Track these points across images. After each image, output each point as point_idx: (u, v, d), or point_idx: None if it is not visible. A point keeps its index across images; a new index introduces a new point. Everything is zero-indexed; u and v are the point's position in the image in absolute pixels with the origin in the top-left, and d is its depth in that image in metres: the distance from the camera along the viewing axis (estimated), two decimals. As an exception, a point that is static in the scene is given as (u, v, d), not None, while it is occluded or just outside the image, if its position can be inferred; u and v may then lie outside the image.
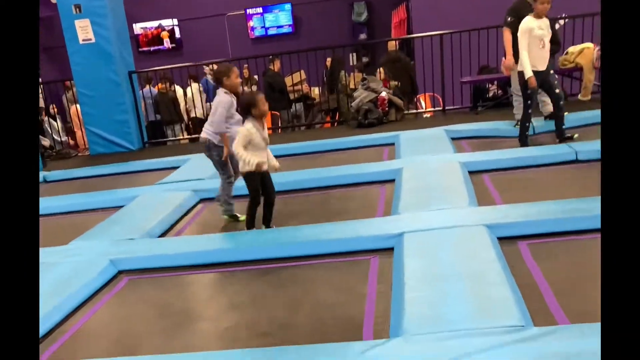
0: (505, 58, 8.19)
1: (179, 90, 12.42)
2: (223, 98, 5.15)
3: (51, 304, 3.85)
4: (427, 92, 10.53)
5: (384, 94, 9.20)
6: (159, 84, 11.72)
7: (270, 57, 11.14)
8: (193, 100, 12.25)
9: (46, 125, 11.28)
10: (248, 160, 4.72)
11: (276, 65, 11.18)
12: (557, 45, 7.34)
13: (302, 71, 11.34)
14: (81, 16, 9.20)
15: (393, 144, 7.50)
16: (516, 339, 2.77)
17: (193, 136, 11.65)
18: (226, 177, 5.37)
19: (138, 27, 18.07)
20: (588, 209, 4.27)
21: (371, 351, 2.85)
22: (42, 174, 8.42)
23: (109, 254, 4.69)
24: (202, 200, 6.28)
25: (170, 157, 8.48)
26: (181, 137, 11.51)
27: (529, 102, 6.49)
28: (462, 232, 4.17)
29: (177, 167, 7.70)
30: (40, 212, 5.62)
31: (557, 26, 7.43)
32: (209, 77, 12.65)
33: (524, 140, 6.64)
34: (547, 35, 6.39)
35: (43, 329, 3.64)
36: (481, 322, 2.95)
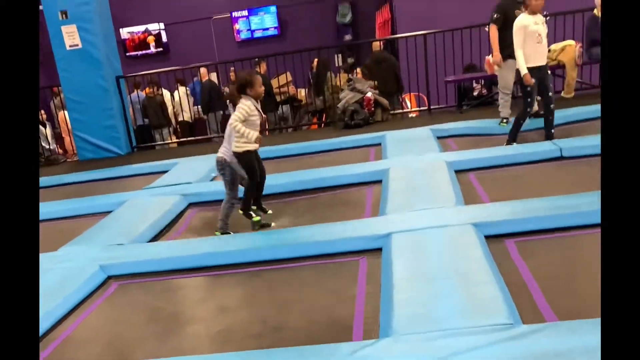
0: (489, 56, 8.26)
1: (166, 94, 12.40)
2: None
3: (41, 310, 3.83)
4: (412, 92, 10.58)
5: (369, 94, 9.23)
6: (147, 89, 11.70)
7: (257, 59, 11.14)
8: (181, 104, 12.24)
9: (34, 131, 11.22)
10: (248, 133, 4.84)
11: (262, 68, 11.18)
12: None
13: (288, 73, 11.35)
14: (68, 22, 9.17)
15: (379, 145, 7.52)
16: (505, 337, 2.79)
17: (181, 140, 11.65)
18: (231, 197, 5.32)
19: (125, 32, 18.02)
20: (574, 206, 4.32)
21: (361, 351, 2.87)
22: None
23: (98, 260, 4.69)
24: (190, 205, 6.28)
25: (159, 161, 8.47)
26: (169, 141, 11.49)
27: (529, 99, 6.46)
28: (449, 231, 4.20)
29: (166, 172, 7.69)
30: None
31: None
32: (199, 79, 12.65)
33: (514, 136, 6.65)
34: (544, 30, 6.41)
35: (34, 336, 3.64)
36: (470, 321, 2.97)
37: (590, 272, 3.57)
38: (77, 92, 9.42)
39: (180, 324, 3.77)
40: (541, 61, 6.40)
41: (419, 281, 3.51)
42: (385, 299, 3.47)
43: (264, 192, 5.40)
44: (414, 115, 10.23)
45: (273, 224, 5.24)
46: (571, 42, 8.44)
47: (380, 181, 5.87)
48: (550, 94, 6.49)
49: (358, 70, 10.52)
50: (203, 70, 12.32)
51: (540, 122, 6.81)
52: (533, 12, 6.35)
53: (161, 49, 18.23)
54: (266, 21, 17.83)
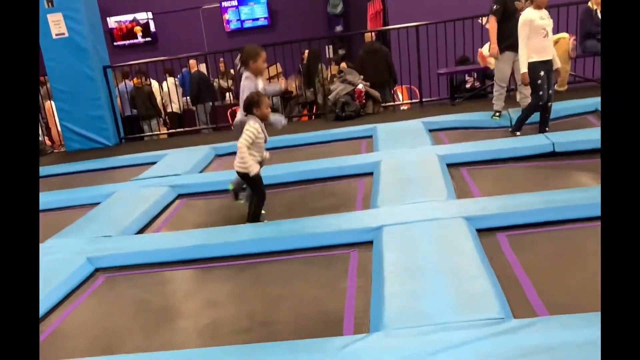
0: (482, 48, 8.24)
1: (154, 84, 12.32)
2: (247, 83, 5.07)
3: (27, 303, 3.79)
4: (404, 84, 10.54)
5: (360, 86, 9.19)
6: (135, 79, 11.61)
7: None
8: (169, 95, 12.16)
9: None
10: (249, 165, 4.74)
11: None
12: None
13: (279, 64, 11.29)
14: (53, 10, 9.05)
15: (371, 137, 7.49)
16: (496, 331, 2.77)
17: (171, 131, 11.57)
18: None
19: (112, 21, 17.91)
20: (566, 200, 4.31)
21: (351, 346, 2.84)
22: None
23: (85, 252, 4.63)
24: (179, 196, 6.23)
25: (147, 152, 8.40)
26: (158, 132, 11.41)
27: (540, 92, 6.38)
28: (441, 224, 4.17)
29: (154, 163, 7.63)
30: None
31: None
32: (188, 70, 12.59)
33: (519, 126, 6.61)
34: (550, 24, 6.37)
35: (19, 329, 3.58)
36: (461, 315, 2.95)
37: (581, 266, 3.56)
38: (63, 81, 9.30)
39: (168, 318, 3.73)
40: (547, 56, 6.36)
41: (410, 275, 3.48)
42: (376, 292, 3.44)
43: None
44: (405, 107, 10.20)
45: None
46: (565, 35, 8.42)
47: (371, 174, 5.84)
48: (550, 91, 6.45)
49: (343, 64, 10.47)
50: (192, 61, 12.26)
51: (535, 117, 6.80)
52: (538, 7, 6.31)
53: (149, 38, 18.12)
54: (256, 11, 17.76)
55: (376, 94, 9.37)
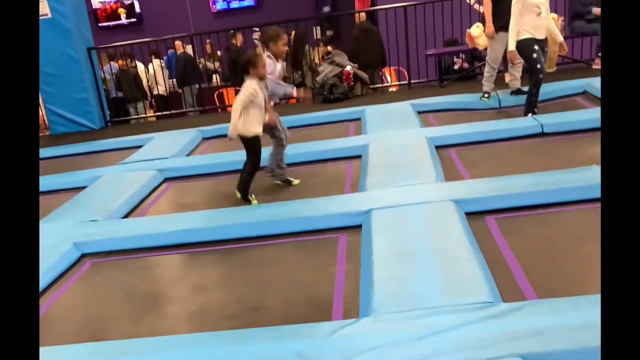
0: (470, 29, 8.20)
1: (140, 66, 12.21)
2: (268, 62, 5.05)
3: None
4: (392, 65, 10.49)
5: (348, 68, 9.14)
6: (120, 61, 11.50)
7: (232, 31, 10.98)
8: (155, 77, 12.05)
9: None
10: (234, 124, 4.77)
11: (239, 40, 11.03)
12: None
13: (266, 46, 11.19)
14: (36, -10, 8.94)
15: (359, 119, 7.46)
16: (485, 315, 2.77)
17: (157, 114, 11.49)
18: (277, 140, 5.26)
19: (96, 1, 17.70)
20: (555, 182, 4.30)
21: (341, 331, 2.83)
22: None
23: (72, 237, 4.59)
24: (166, 180, 6.18)
25: (134, 135, 8.33)
26: (145, 115, 11.33)
27: (538, 66, 6.32)
28: (429, 208, 4.15)
29: (141, 146, 7.57)
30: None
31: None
32: (174, 52, 12.48)
33: (532, 107, 6.48)
34: (545, 2, 6.31)
35: (5, 316, 3.55)
36: (450, 300, 2.94)
37: (570, 250, 3.56)
38: (47, 63, 9.12)
39: (156, 303, 3.70)
40: (540, 35, 6.32)
41: (399, 259, 3.47)
42: (365, 277, 3.43)
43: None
44: (394, 89, 10.16)
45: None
46: (553, 15, 8.38)
47: (359, 156, 5.82)
48: (541, 75, 6.39)
49: (328, 47, 10.40)
50: (178, 42, 12.15)
51: (523, 99, 6.79)
52: None
53: (134, 19, 17.92)
54: (243, -8, 17.62)
55: (364, 75, 9.33)
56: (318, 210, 4.47)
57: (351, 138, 6.64)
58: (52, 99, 9.43)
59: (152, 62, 12.10)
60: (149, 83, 12.33)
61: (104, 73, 11.03)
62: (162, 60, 12.66)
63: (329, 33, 14.71)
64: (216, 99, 11.51)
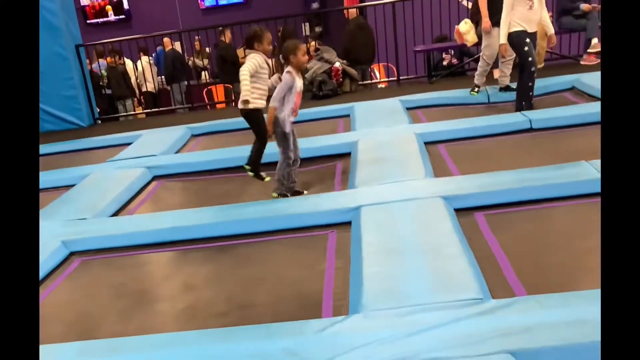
0: (459, 25, 8.21)
1: (129, 63, 12.16)
2: (286, 77, 4.88)
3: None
4: (381, 62, 10.50)
5: (337, 64, 9.13)
6: (108, 58, 11.45)
7: (221, 28, 10.95)
8: (144, 74, 12.01)
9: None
10: (245, 95, 4.73)
11: (227, 37, 11.00)
12: None
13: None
14: (23, -13, 8.86)
15: (348, 116, 7.45)
16: (475, 312, 2.76)
17: (146, 111, 11.45)
18: (285, 157, 4.97)
19: (85, -2, 17.61)
20: (543, 178, 4.31)
21: (330, 328, 2.82)
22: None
23: (60, 235, 4.56)
24: (155, 177, 6.16)
25: (122, 133, 8.31)
26: (133, 112, 11.29)
27: (529, 59, 6.31)
28: (419, 204, 4.15)
29: (130, 144, 7.54)
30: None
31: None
32: (163, 48, 12.43)
33: (529, 103, 6.47)
34: None
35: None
36: (440, 296, 2.94)
37: (559, 246, 3.57)
38: (35, 61, 9.10)
39: (145, 301, 3.68)
40: (531, 28, 6.30)
41: (389, 255, 3.47)
42: (354, 274, 3.42)
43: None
44: (383, 85, 10.16)
45: (305, 192, 5.10)
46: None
47: (349, 153, 5.81)
48: (533, 68, 6.38)
49: (312, 43, 10.38)
50: (166, 39, 12.10)
51: (511, 95, 6.80)
52: None
53: (123, 16, 17.82)
54: (231, -12, 17.56)
55: (353, 72, 9.32)
56: (307, 207, 4.47)
57: (340, 135, 6.64)
58: (41, 96, 9.35)
59: (140, 59, 12.05)
60: (138, 80, 12.28)
61: (100, 69, 10.98)
62: (150, 58, 12.61)
63: (317, 29, 14.71)
64: (205, 96, 11.48)
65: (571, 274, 3.23)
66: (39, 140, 5.63)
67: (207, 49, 13.25)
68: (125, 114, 11.02)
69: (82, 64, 9.58)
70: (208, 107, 11.04)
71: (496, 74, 7.71)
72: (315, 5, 16.89)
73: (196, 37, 12.89)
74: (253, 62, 4.76)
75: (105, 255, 4.41)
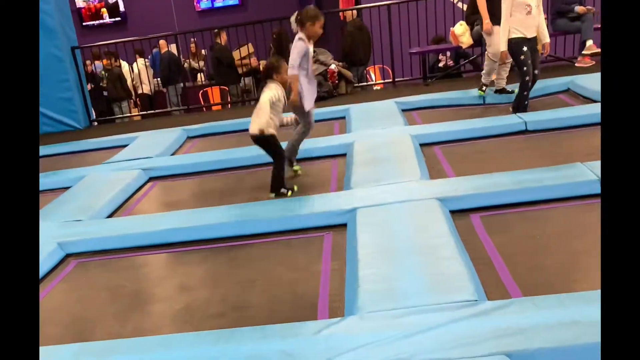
0: (454, 27, 8.22)
1: (125, 65, 12.15)
2: (299, 44, 5.05)
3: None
4: (377, 64, 10.51)
5: (333, 66, 9.14)
6: (104, 60, 11.44)
7: (217, 30, 10.94)
8: (140, 76, 12.01)
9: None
10: (265, 122, 4.80)
11: (223, 39, 11.00)
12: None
13: (250, 44, 11.19)
14: (19, -11, 8.84)
15: (344, 118, 7.46)
16: (470, 313, 2.77)
17: (142, 113, 11.44)
18: (306, 125, 5.32)
19: (80, 0, 17.58)
20: (539, 180, 4.32)
21: (326, 330, 2.82)
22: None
23: (56, 237, 4.56)
24: (151, 179, 6.16)
25: (118, 135, 8.30)
26: (129, 114, 11.28)
27: (524, 68, 6.34)
28: (414, 206, 4.16)
29: (126, 146, 7.54)
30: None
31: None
32: (159, 51, 12.42)
33: (524, 108, 6.49)
34: (535, 1, 6.26)
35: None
36: (435, 298, 2.94)
37: (554, 247, 3.58)
38: (31, 63, 9.09)
39: (141, 303, 3.68)
40: (530, 33, 6.29)
41: (384, 257, 3.47)
42: (350, 275, 3.43)
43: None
44: (378, 87, 10.17)
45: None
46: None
47: (344, 155, 5.82)
48: (536, 71, 6.38)
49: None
50: (162, 41, 12.10)
51: (507, 98, 6.81)
52: None
53: (119, 18, 17.82)
54: (227, -10, 17.57)
55: (349, 74, 9.33)
56: (303, 209, 4.47)
57: (336, 136, 6.65)
58: (36, 98, 9.35)
59: (136, 61, 12.05)
60: (134, 82, 12.28)
61: (96, 70, 10.96)
62: (146, 60, 12.60)
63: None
64: (201, 98, 11.48)
65: (567, 275, 3.24)
66: (38, 143, 5.65)
67: (203, 51, 13.24)
68: (121, 116, 11.01)
69: (77, 66, 9.57)
70: (204, 109, 11.04)
71: (492, 76, 7.72)
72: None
73: (192, 39, 12.89)
74: (274, 93, 4.78)
75: (102, 257, 4.41)
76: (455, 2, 9.74)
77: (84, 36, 14.65)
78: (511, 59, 6.78)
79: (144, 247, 4.44)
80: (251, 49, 11.32)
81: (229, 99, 11.02)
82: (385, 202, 4.28)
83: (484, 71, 7.46)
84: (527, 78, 6.37)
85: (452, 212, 4.13)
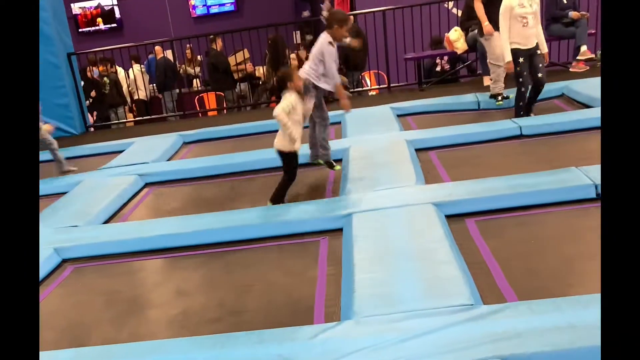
0: (449, 33, 8.25)
1: (120, 71, 12.16)
2: (329, 49, 5.03)
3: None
4: (372, 69, 10.53)
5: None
6: (100, 66, 11.44)
7: (212, 36, 10.96)
8: (135, 82, 12.01)
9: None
10: (294, 136, 4.70)
11: (218, 44, 11.01)
12: None
13: (246, 50, 11.21)
14: (15, -4, 8.84)
15: (339, 123, 7.46)
16: (466, 317, 2.78)
17: (137, 119, 11.44)
18: (322, 120, 5.32)
19: (76, 7, 17.59)
20: (534, 184, 4.33)
21: (322, 335, 2.83)
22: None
23: (52, 243, 4.57)
24: (147, 185, 6.16)
25: (114, 141, 8.31)
26: (125, 120, 11.28)
27: (520, 79, 6.35)
28: (410, 211, 4.17)
29: (122, 151, 7.54)
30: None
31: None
32: (154, 57, 12.43)
33: (520, 111, 6.50)
34: (531, 12, 6.25)
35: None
36: (431, 302, 2.95)
37: (550, 252, 3.60)
38: (27, 69, 9.08)
39: (137, 308, 3.69)
40: (527, 44, 6.28)
41: (380, 262, 3.48)
42: (346, 280, 3.44)
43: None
44: (373, 93, 10.19)
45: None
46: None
47: (340, 160, 5.82)
48: (540, 74, 6.35)
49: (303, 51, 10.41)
50: (158, 47, 12.11)
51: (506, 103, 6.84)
52: None
53: (114, 24, 17.83)
54: (222, -4, 17.59)
55: (344, 79, 9.34)
56: (299, 214, 4.48)
57: (331, 142, 6.63)
58: (32, 104, 9.34)
59: (132, 67, 12.05)
60: (130, 88, 12.28)
61: (95, 76, 10.95)
62: (142, 66, 12.61)
63: (308, 38, 14.73)
64: (196, 104, 11.48)
65: (562, 280, 3.25)
66: (38, 147, 5.67)
67: (199, 57, 13.25)
68: (117, 121, 11.01)
69: (74, 73, 9.56)
70: (200, 114, 11.04)
71: (486, 81, 7.74)
72: (306, 14, 16.93)
73: (187, 45, 12.89)
74: (286, 103, 4.72)
75: (98, 263, 4.41)
76: (449, 8, 9.77)
77: (80, 42, 14.65)
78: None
79: (140, 253, 4.45)
80: (247, 55, 11.34)
81: (224, 105, 11.02)
82: (381, 207, 4.29)
83: (492, 82, 7.39)
84: (523, 89, 6.40)
85: (448, 216, 4.14)
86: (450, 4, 9.73)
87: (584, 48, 8.13)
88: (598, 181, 4.15)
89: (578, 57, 8.22)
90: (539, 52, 6.38)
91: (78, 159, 7.85)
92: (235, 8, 17.59)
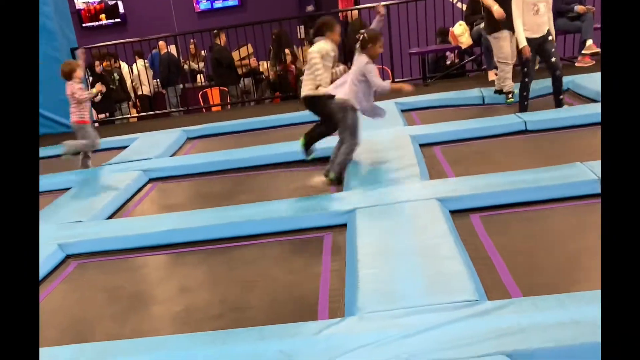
0: (453, 28, 8.22)
1: (124, 67, 12.14)
2: (369, 67, 5.02)
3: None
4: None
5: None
6: (104, 62, 11.42)
7: (216, 31, 10.94)
8: (139, 78, 12.00)
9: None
10: (322, 79, 4.78)
11: (222, 40, 10.99)
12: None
13: (250, 45, 11.19)
14: (17, -10, 8.83)
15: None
16: (470, 313, 2.77)
17: (141, 114, 11.44)
18: (352, 144, 5.12)
19: (80, 2, 17.57)
20: (538, 180, 4.32)
21: (326, 331, 2.82)
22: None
23: (56, 238, 4.56)
24: (151, 180, 6.16)
25: (118, 136, 8.30)
26: (129, 115, 11.27)
27: (525, 69, 6.36)
28: (414, 206, 4.16)
29: (126, 147, 7.54)
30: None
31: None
32: (158, 52, 12.42)
33: (524, 108, 6.53)
34: (543, 0, 6.25)
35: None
36: (435, 298, 2.94)
37: (554, 247, 3.58)
38: (30, 64, 9.07)
39: (141, 304, 3.68)
40: (537, 33, 6.26)
41: (384, 257, 3.47)
42: (350, 276, 3.42)
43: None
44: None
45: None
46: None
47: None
48: (553, 59, 6.33)
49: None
50: (161, 42, 12.09)
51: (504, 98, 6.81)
52: None
53: (118, 19, 17.80)
54: (226, -9, 17.55)
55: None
56: (303, 210, 4.47)
57: (335, 137, 6.62)
58: (35, 99, 9.33)
59: (136, 62, 12.04)
60: (134, 83, 12.27)
61: (101, 71, 10.94)
62: (146, 61, 12.59)
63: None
64: (200, 99, 11.47)
65: (567, 275, 3.24)
66: (38, 144, 5.66)
67: (202, 52, 13.23)
68: (120, 117, 11.00)
69: (77, 68, 9.53)
70: (203, 110, 11.04)
71: (491, 76, 7.71)
72: (310, 8, 16.88)
73: (191, 40, 12.87)
74: (322, 46, 4.74)
75: (101, 258, 4.41)
76: (454, 2, 9.73)
77: (84, 37, 14.63)
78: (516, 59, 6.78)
79: (144, 249, 4.44)
80: (250, 50, 11.33)
81: (228, 100, 11.01)
82: (385, 203, 4.28)
83: (500, 79, 7.34)
84: (527, 79, 6.38)
85: (452, 212, 4.12)
86: (455, -1, 9.71)
87: (589, 42, 8.09)
88: (603, 177, 4.12)
89: (584, 52, 8.18)
90: (550, 38, 6.35)
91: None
92: (239, 3, 17.54)
